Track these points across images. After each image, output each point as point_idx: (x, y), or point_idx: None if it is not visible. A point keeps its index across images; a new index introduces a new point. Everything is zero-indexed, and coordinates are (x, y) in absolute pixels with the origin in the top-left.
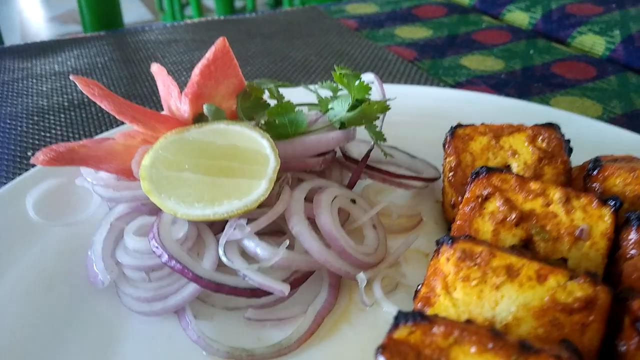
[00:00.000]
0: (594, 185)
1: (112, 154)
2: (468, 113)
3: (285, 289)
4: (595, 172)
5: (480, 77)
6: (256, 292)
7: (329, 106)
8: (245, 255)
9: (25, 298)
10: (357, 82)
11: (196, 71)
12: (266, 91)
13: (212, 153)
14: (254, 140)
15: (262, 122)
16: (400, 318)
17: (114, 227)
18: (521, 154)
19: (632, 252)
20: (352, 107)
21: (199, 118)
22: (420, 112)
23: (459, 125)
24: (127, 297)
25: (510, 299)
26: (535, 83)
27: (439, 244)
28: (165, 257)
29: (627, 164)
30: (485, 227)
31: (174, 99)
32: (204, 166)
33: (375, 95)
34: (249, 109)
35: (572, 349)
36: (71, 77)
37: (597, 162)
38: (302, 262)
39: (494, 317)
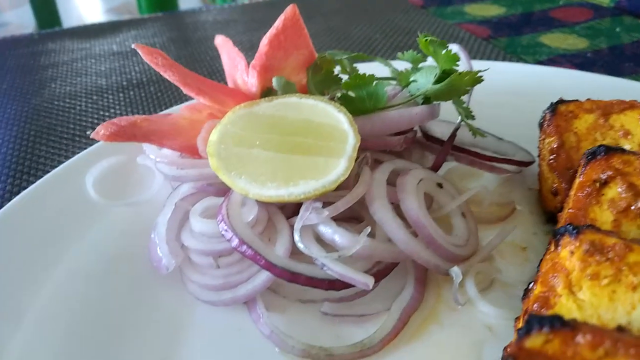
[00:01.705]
0: None
1: (176, 129)
2: (560, 93)
3: (369, 281)
4: None
5: (564, 55)
6: (334, 284)
7: (412, 78)
8: (321, 242)
9: (86, 282)
10: (444, 51)
11: (264, 41)
12: (337, 66)
13: (285, 128)
14: (330, 115)
15: (338, 95)
16: (534, 323)
17: (178, 208)
18: (635, 134)
19: None
20: (439, 79)
21: (267, 92)
22: (506, 91)
23: (561, 101)
24: (193, 284)
25: None
26: (626, 62)
27: (557, 234)
28: (235, 242)
29: None
30: (604, 216)
31: (241, 72)
32: (276, 142)
33: (461, 69)
34: (320, 82)
35: None
36: (133, 46)
37: None
38: (385, 252)
39: (630, 323)
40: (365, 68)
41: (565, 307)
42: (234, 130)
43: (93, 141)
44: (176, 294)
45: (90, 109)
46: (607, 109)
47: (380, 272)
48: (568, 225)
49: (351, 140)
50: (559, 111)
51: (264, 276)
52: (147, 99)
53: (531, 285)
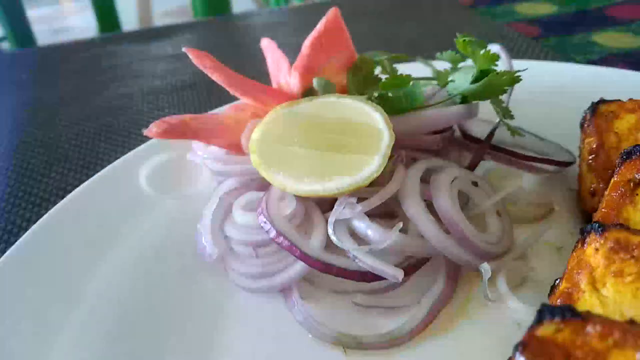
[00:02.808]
0: None
1: (222, 128)
2: (608, 92)
3: (398, 274)
4: None
5: (617, 55)
6: (366, 276)
7: (450, 78)
8: (355, 237)
9: (135, 268)
10: (482, 51)
11: (306, 44)
12: (378, 67)
13: (323, 127)
14: (367, 114)
15: (375, 95)
16: (546, 313)
17: (222, 201)
18: None
19: None
20: (476, 79)
21: (308, 92)
22: (551, 90)
23: (602, 101)
24: (234, 272)
25: None
26: None
27: (584, 232)
28: (273, 233)
29: None
30: (637, 216)
31: (284, 74)
32: (314, 140)
33: (501, 69)
34: (360, 83)
35: None
36: (183, 49)
37: None
38: (416, 247)
39: None
40: (407, 68)
41: (589, 303)
42: (274, 128)
43: (147, 139)
44: (218, 281)
45: (146, 109)
46: None
47: (411, 266)
48: (594, 223)
49: (385, 139)
50: (599, 111)
51: (299, 266)
52: (200, 100)
53: (557, 281)
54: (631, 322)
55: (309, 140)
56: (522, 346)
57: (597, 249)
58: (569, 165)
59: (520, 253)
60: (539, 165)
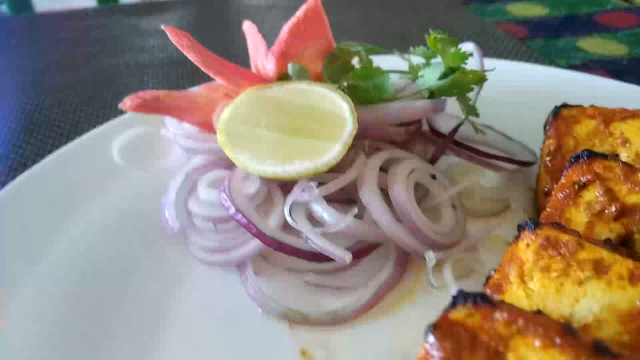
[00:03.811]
0: None
1: (194, 106)
2: (577, 96)
3: (346, 256)
4: None
5: (598, 61)
6: (318, 256)
7: (420, 73)
8: (313, 219)
9: (99, 235)
10: (452, 49)
11: (285, 29)
12: (356, 57)
13: (291, 112)
14: (334, 103)
15: (345, 84)
16: (460, 297)
17: (189, 177)
18: (634, 143)
19: None
20: (444, 75)
21: (283, 77)
22: (524, 91)
23: (565, 105)
24: (194, 245)
25: (593, 298)
26: None
27: (520, 228)
28: (232, 210)
29: None
30: (579, 217)
31: (261, 57)
32: (281, 124)
33: (473, 67)
34: (335, 72)
35: None
36: (162, 27)
37: None
38: (368, 233)
39: (572, 315)
40: (385, 60)
41: (516, 295)
42: (244, 110)
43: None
44: (179, 254)
45: (130, 82)
46: (609, 116)
47: (362, 250)
48: (529, 220)
49: (349, 128)
50: (561, 115)
51: (255, 243)
52: (184, 76)
53: (492, 273)
54: (538, 312)
55: (275, 123)
56: (434, 327)
57: (528, 245)
58: (529, 165)
59: (470, 245)
60: (499, 163)
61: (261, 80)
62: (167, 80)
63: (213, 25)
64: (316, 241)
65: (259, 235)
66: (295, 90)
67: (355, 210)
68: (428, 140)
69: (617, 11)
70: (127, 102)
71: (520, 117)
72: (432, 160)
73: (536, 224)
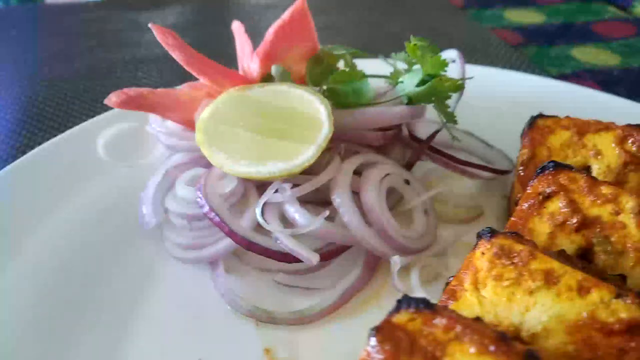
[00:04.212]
0: None
1: (177, 104)
2: (560, 106)
3: (314, 258)
4: None
5: (590, 71)
6: (287, 257)
7: (400, 79)
8: (286, 220)
9: (77, 228)
10: (432, 57)
11: (270, 31)
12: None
13: (269, 113)
14: (312, 106)
15: (324, 88)
16: (403, 302)
17: (168, 174)
18: (605, 156)
19: None
20: (422, 82)
21: (267, 78)
22: (508, 99)
23: (541, 116)
24: (169, 241)
25: (543, 308)
26: None
27: (478, 236)
28: (206, 208)
29: None
30: (541, 228)
31: (246, 57)
32: (258, 125)
33: (455, 74)
34: (318, 74)
35: None
36: (149, 25)
37: None
38: (338, 235)
39: (522, 324)
40: (373, 65)
41: (469, 301)
42: (223, 109)
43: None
44: (154, 250)
45: (126, 78)
46: (584, 128)
47: (331, 252)
48: (486, 229)
49: (324, 131)
50: (536, 125)
51: (228, 242)
52: (179, 72)
53: (450, 279)
54: (477, 319)
55: (253, 124)
56: (376, 330)
57: (483, 253)
58: (504, 174)
59: (440, 251)
60: (474, 170)
61: (244, 80)
62: (161, 76)
63: (212, 22)
64: (285, 241)
65: (230, 234)
66: (275, 91)
67: (327, 212)
68: (406, 146)
69: (615, 21)
70: (112, 98)
71: (503, 125)
72: (408, 166)
73: (493, 232)
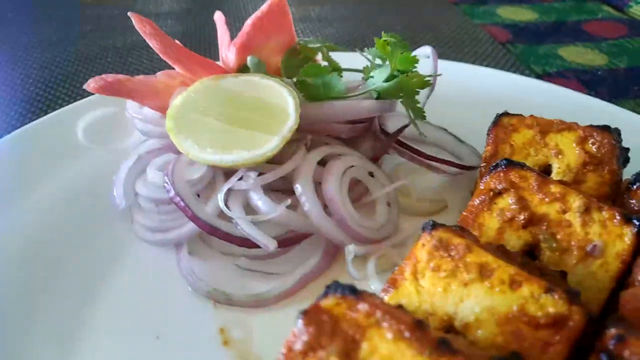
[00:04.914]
0: (632, 201)
1: (153, 91)
2: (534, 105)
3: (271, 244)
4: (635, 187)
5: (574, 70)
6: (247, 242)
7: (371, 74)
8: (250, 207)
9: (50, 208)
10: (401, 53)
11: (248, 22)
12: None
13: (239, 103)
14: (281, 97)
15: (294, 80)
16: (332, 288)
17: (141, 158)
18: (566, 155)
19: None
20: (390, 78)
21: (244, 69)
22: (484, 97)
23: (506, 114)
24: (136, 223)
25: (476, 299)
26: (636, 86)
27: (422, 229)
28: (171, 193)
29: None
30: (490, 223)
31: (225, 48)
32: (228, 114)
33: (427, 71)
34: (293, 67)
35: None
36: (129, 14)
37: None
38: (299, 223)
39: (456, 313)
40: (351, 58)
41: (407, 290)
42: (195, 98)
43: None
44: (124, 231)
45: (118, 63)
46: (546, 127)
47: (291, 239)
48: (428, 222)
49: (290, 122)
50: (500, 123)
51: (191, 226)
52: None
53: (396, 269)
54: (399, 306)
55: (222, 113)
56: (305, 313)
57: (424, 245)
58: (470, 169)
59: (399, 241)
60: (439, 165)
61: (218, 70)
62: (151, 62)
63: (206, 10)
64: (244, 227)
65: (194, 218)
66: (247, 82)
67: (289, 201)
68: (377, 141)
69: (608, 21)
70: (90, 84)
71: (476, 121)
72: (374, 158)
73: (434, 225)
